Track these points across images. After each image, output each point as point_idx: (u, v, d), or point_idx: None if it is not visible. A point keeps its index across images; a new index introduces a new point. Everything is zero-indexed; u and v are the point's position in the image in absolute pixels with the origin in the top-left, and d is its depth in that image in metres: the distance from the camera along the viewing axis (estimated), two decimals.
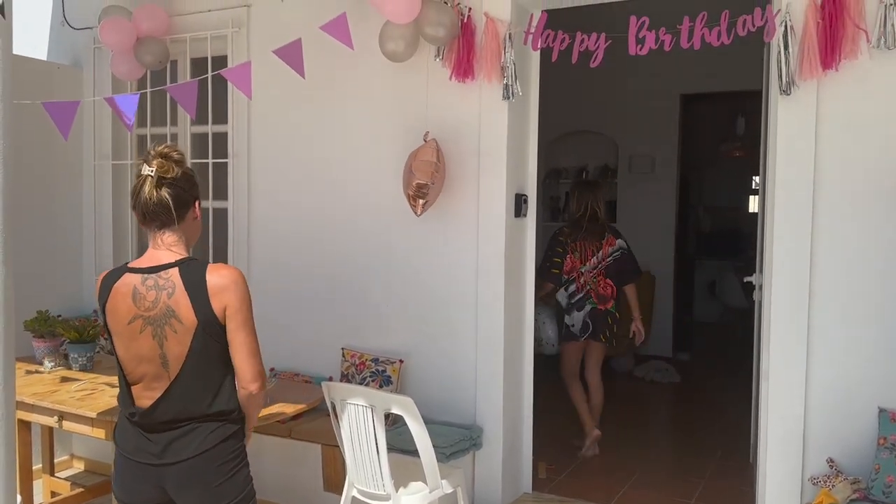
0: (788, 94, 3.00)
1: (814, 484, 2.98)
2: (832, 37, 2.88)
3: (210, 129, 4.26)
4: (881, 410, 2.90)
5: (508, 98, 3.47)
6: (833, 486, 2.86)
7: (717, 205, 9.95)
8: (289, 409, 3.09)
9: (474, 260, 3.63)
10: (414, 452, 2.92)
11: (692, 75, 6.86)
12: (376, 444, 2.83)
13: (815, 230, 3.02)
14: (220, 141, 4.28)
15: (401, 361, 3.74)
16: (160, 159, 2.08)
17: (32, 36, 4.65)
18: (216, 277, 2.06)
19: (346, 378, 3.81)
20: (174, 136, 4.42)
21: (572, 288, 4.58)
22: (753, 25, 2.95)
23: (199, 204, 2.22)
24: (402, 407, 2.83)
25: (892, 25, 2.81)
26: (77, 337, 3.58)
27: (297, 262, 4.06)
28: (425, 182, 3.37)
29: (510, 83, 3.44)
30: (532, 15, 3.59)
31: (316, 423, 3.54)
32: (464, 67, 3.48)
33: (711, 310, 8.79)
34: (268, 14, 4.07)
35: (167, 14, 4.20)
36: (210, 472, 2.08)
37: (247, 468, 2.18)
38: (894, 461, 2.80)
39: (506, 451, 3.67)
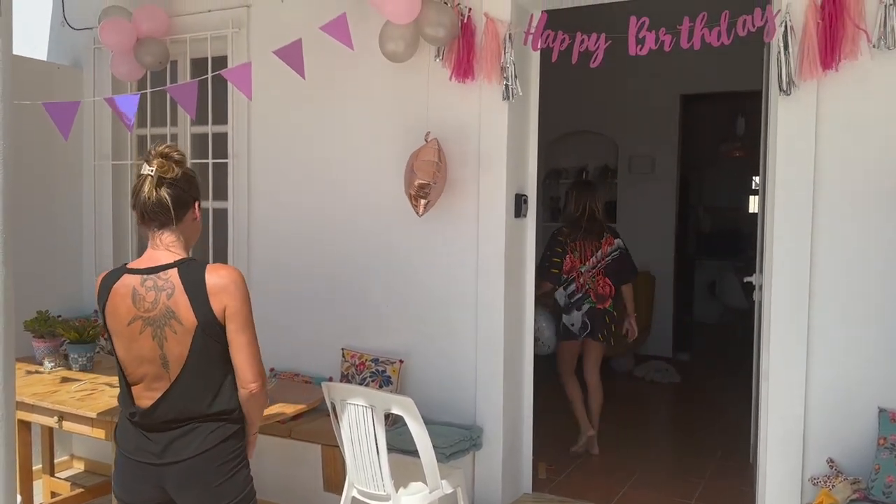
0: (788, 95, 3.01)
1: (814, 484, 2.98)
2: (832, 37, 2.88)
3: (210, 129, 4.26)
4: (881, 410, 2.90)
5: (508, 98, 3.47)
6: (833, 486, 2.87)
7: (717, 205, 9.96)
8: (289, 409, 3.09)
9: (474, 260, 3.63)
10: (414, 453, 2.92)
11: (692, 75, 6.86)
12: (376, 444, 2.83)
13: (815, 230, 3.02)
14: (220, 141, 4.28)
15: (401, 362, 3.74)
16: (161, 159, 2.08)
17: (32, 36, 4.66)
18: (215, 278, 2.06)
19: (346, 378, 3.82)
20: (174, 137, 4.42)
21: (571, 287, 4.59)
22: (753, 25, 2.95)
23: (199, 205, 2.21)
24: (402, 407, 2.83)
25: (893, 25, 2.81)
26: (77, 337, 3.58)
27: (297, 262, 4.06)
28: (427, 182, 3.37)
29: (510, 83, 3.44)
30: (532, 15, 3.59)
31: (316, 423, 3.54)
32: (464, 68, 3.48)
33: (711, 310, 8.79)
34: (268, 14, 4.07)
35: (167, 14, 4.20)
36: (210, 471, 2.08)
37: (247, 468, 2.18)
38: (894, 461, 2.80)
39: (506, 451, 3.67)
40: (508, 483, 3.74)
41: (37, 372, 3.58)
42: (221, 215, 4.32)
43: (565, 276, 4.58)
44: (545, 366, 4.63)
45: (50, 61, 4.67)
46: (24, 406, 3.10)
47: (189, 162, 2.38)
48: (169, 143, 3.25)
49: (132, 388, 2.13)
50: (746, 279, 4.02)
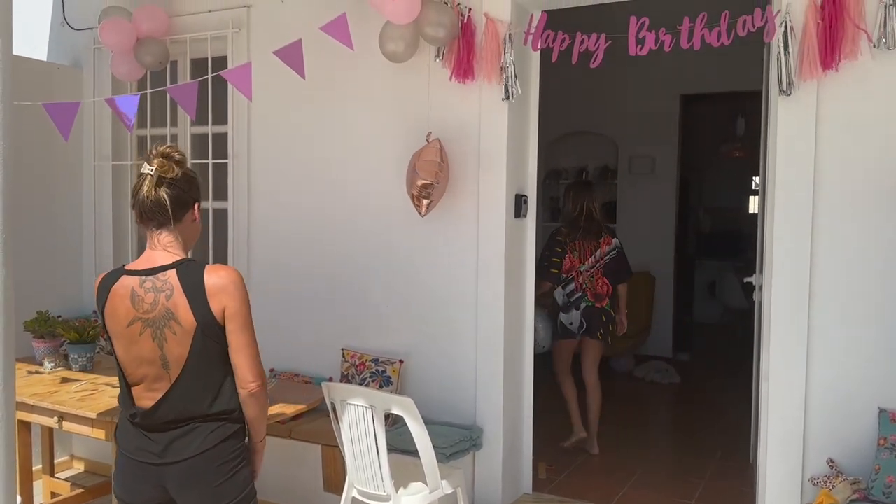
0: (788, 95, 3.00)
1: (814, 484, 2.98)
2: (832, 37, 2.88)
3: (210, 129, 4.26)
4: (881, 411, 2.90)
5: (508, 98, 3.47)
6: (833, 486, 2.87)
7: (717, 205, 9.96)
8: (289, 409, 3.09)
9: (474, 260, 3.63)
10: (414, 453, 2.92)
11: (692, 75, 6.86)
12: (376, 444, 2.83)
13: (815, 230, 3.02)
14: (220, 141, 4.28)
15: (401, 362, 3.74)
16: (161, 159, 2.08)
17: (32, 36, 4.66)
18: (214, 278, 2.06)
19: (346, 378, 3.81)
20: (174, 137, 4.42)
21: (570, 287, 4.60)
22: (753, 26, 2.95)
23: (199, 206, 2.21)
24: (402, 407, 2.82)
25: (893, 26, 2.81)
26: (77, 338, 3.58)
27: (298, 262, 4.06)
28: (430, 182, 3.36)
29: (510, 83, 3.44)
30: (532, 15, 3.59)
31: (316, 423, 3.54)
32: (464, 68, 3.48)
33: (711, 310, 8.80)
34: (268, 15, 4.07)
35: (167, 15, 4.20)
36: (210, 471, 2.08)
37: (247, 468, 2.17)
38: (894, 461, 2.80)
39: (506, 451, 3.67)
40: (508, 483, 3.74)
41: (37, 372, 3.58)
42: (221, 215, 4.32)
43: (564, 276, 4.59)
44: (545, 365, 4.63)
45: (50, 61, 4.67)
46: (24, 406, 3.10)
47: (189, 162, 2.38)
48: (169, 143, 3.26)
49: (132, 388, 2.13)
50: (746, 279, 4.02)
